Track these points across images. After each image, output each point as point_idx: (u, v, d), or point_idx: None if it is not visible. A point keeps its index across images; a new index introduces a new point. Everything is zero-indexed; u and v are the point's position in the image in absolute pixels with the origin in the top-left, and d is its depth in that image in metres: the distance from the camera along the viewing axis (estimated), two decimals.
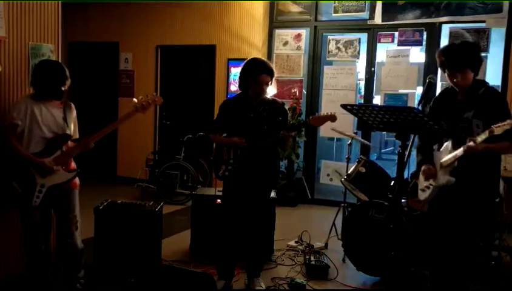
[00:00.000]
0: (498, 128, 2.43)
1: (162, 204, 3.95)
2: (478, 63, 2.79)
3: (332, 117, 3.30)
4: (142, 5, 7.20)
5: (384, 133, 9.03)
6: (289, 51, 6.71)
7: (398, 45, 6.07)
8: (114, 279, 3.49)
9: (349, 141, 4.82)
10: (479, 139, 2.51)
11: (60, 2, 3.81)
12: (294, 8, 6.68)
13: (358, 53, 6.38)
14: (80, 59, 7.73)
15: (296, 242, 4.65)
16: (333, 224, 4.86)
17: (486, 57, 5.44)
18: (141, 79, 7.42)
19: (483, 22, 5.57)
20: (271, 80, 3.44)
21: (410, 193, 3.28)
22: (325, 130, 6.13)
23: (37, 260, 3.29)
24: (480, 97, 2.76)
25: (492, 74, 5.43)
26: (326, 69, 6.58)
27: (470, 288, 2.94)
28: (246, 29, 6.69)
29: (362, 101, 6.95)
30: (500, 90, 5.32)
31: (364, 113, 2.91)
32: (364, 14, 6.25)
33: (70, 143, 3.23)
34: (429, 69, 5.83)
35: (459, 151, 2.63)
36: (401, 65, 6.01)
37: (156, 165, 6.74)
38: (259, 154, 3.44)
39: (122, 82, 7.54)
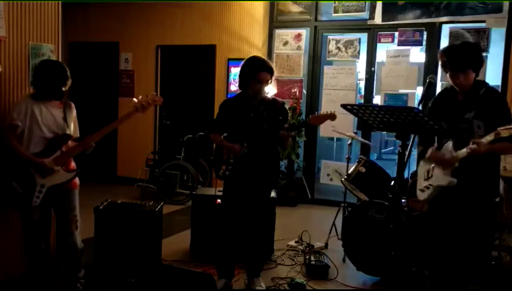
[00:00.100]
0: (505, 131, 2.40)
1: (162, 203, 3.95)
2: (479, 63, 2.79)
3: (332, 116, 3.30)
4: (143, 5, 7.20)
5: (384, 133, 9.03)
6: (289, 51, 6.71)
7: (398, 45, 6.07)
8: (114, 279, 3.49)
9: (349, 141, 4.82)
10: (485, 141, 2.50)
11: (60, 2, 3.81)
12: (294, 8, 6.67)
13: (358, 52, 6.37)
14: (80, 59, 7.73)
15: (296, 242, 4.65)
16: (334, 223, 4.86)
17: (486, 57, 5.42)
18: (141, 79, 7.42)
19: (483, 22, 5.56)
20: (271, 78, 3.43)
21: (410, 192, 3.28)
22: (325, 130, 6.17)
23: (37, 260, 3.29)
24: (480, 97, 2.75)
25: (492, 74, 5.42)
26: (326, 69, 6.57)
27: (470, 288, 2.93)
28: (246, 29, 6.69)
29: (362, 101, 6.96)
30: (500, 90, 5.32)
31: (364, 113, 2.91)
32: (364, 14, 6.24)
33: (70, 143, 3.23)
34: (429, 69, 5.83)
35: (462, 152, 2.62)
36: (401, 65, 6.00)
37: (156, 165, 6.74)
38: (260, 154, 3.43)
39: (122, 82, 7.54)
